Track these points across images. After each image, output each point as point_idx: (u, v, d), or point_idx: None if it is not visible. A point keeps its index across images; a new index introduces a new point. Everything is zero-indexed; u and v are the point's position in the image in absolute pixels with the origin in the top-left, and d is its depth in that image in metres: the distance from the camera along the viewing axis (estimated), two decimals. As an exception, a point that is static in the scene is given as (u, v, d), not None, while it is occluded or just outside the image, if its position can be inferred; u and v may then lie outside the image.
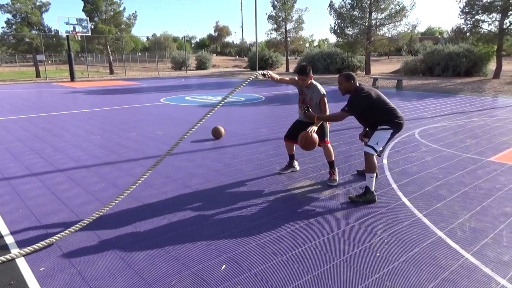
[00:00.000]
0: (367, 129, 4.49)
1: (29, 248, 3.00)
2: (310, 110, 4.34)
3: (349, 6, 26.35)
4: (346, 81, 4.05)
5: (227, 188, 4.48)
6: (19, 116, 10.12)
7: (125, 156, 5.93)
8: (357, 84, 4.06)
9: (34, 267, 2.81)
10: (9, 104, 12.94)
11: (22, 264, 2.85)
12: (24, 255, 2.96)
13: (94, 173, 5.05)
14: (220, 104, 3.77)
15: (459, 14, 21.68)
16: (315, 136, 4.28)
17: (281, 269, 2.77)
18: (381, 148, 4.06)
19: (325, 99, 4.48)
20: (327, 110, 4.49)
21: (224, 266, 2.81)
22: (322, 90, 4.49)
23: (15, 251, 3.01)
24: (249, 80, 4.02)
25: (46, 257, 2.95)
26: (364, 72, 27.52)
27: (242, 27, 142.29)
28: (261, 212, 3.78)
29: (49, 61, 47.90)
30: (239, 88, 3.95)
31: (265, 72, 4.31)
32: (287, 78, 4.79)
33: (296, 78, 4.56)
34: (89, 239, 3.24)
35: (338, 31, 27.01)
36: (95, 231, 3.36)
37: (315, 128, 4.33)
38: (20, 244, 3.15)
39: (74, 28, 24.90)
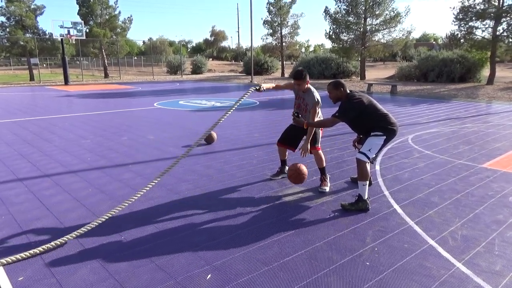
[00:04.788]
0: (360, 136, 4.43)
1: (11, 257, 2.90)
2: (300, 116, 4.28)
3: (344, 12, 26.48)
4: (335, 89, 3.97)
5: (217, 194, 4.40)
6: (10, 119, 9.99)
7: (114, 161, 5.84)
8: (348, 91, 3.99)
9: (13, 276, 2.71)
10: (0, 108, 12.78)
11: (0, 273, 2.75)
12: (4, 265, 2.86)
13: (81, 179, 4.95)
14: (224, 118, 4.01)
15: (453, 21, 21.88)
16: (304, 170, 4.41)
17: (268, 279, 2.69)
18: (374, 155, 4.00)
19: (317, 106, 4.42)
20: (315, 118, 4.43)
21: (209, 276, 2.72)
22: (317, 96, 4.42)
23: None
24: (246, 96, 4.20)
25: (27, 265, 2.85)
26: (359, 78, 27.61)
27: (238, 32, 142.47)
28: (249, 219, 3.70)
29: (44, 65, 47.67)
30: (238, 103, 4.14)
31: (257, 87, 4.41)
32: (281, 84, 4.77)
33: (292, 82, 4.51)
34: (72, 246, 3.14)
35: (333, 36, 27.12)
36: (78, 238, 3.26)
37: (307, 146, 4.37)
38: (0, 252, 3.05)
39: (68, 31, 24.79)
